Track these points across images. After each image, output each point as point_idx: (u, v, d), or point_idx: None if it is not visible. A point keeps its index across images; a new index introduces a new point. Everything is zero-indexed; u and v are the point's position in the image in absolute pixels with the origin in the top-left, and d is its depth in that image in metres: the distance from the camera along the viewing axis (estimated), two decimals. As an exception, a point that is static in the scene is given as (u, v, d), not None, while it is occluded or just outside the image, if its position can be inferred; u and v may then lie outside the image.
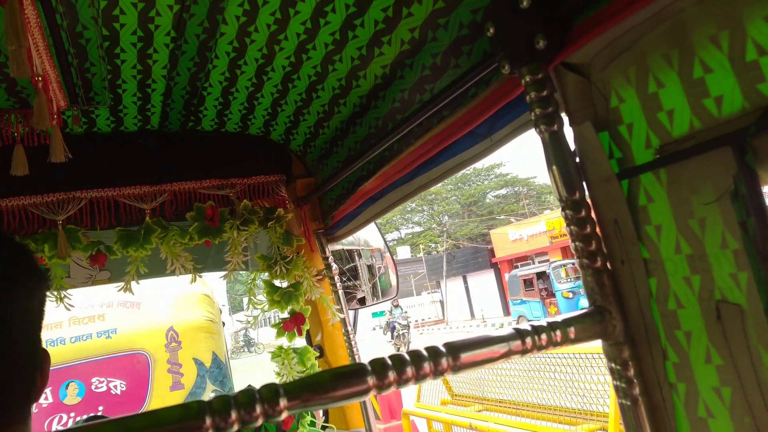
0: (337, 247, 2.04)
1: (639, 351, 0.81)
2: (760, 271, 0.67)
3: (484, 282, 30.10)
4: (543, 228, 27.72)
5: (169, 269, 1.44)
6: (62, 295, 1.43)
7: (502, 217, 41.83)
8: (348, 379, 0.66)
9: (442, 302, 33.35)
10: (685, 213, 0.74)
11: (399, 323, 22.76)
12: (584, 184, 0.86)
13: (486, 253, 32.04)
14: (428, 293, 37.06)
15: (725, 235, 0.70)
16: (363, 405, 1.73)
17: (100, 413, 3.73)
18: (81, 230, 1.43)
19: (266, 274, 1.63)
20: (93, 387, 3.84)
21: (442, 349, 0.72)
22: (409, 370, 0.69)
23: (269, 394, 0.63)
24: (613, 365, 0.82)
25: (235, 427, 0.61)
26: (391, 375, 0.68)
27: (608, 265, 0.83)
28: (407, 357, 0.70)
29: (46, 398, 3.70)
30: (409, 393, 5.00)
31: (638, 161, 0.80)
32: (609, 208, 0.83)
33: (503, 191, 48.83)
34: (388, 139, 1.26)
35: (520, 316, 20.89)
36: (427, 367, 0.70)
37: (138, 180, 1.51)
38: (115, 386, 3.93)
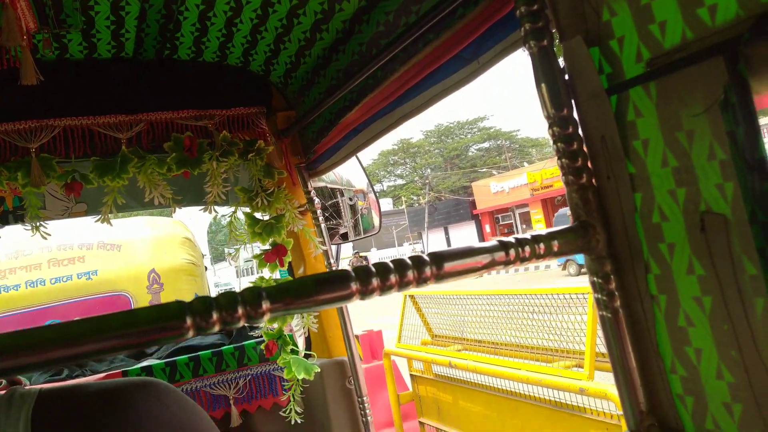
0: (319, 184, 2.03)
1: (621, 265, 0.82)
2: (746, 181, 0.67)
3: (465, 233, 30.36)
4: (524, 180, 27.89)
5: (147, 198, 1.41)
6: (38, 225, 1.40)
7: (484, 170, 41.97)
8: (331, 284, 0.66)
9: (423, 253, 33.92)
10: (673, 126, 0.73)
11: None
12: (572, 101, 0.85)
13: (467, 205, 32.26)
14: (409, 244, 37.41)
15: (713, 146, 0.69)
16: (345, 335, 1.75)
17: None
18: (55, 159, 1.39)
19: (247, 207, 1.61)
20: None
21: (426, 258, 0.71)
22: (393, 277, 0.69)
23: (251, 296, 0.62)
24: (595, 279, 0.83)
25: (217, 327, 0.60)
26: (375, 281, 0.68)
27: (593, 181, 0.83)
28: (391, 265, 0.69)
29: None
30: (390, 336, 5.08)
31: (628, 75, 0.79)
32: (597, 124, 0.82)
33: (486, 144, 48.88)
34: (371, 66, 1.23)
35: (568, 260, 19.06)
36: (410, 274, 0.70)
37: (113, 109, 1.47)
38: None
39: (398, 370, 4.48)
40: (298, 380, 1.72)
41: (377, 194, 2.25)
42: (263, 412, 1.81)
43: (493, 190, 29.90)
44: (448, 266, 0.72)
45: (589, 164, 0.82)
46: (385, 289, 0.68)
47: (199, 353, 1.76)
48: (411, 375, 4.23)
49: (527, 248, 0.76)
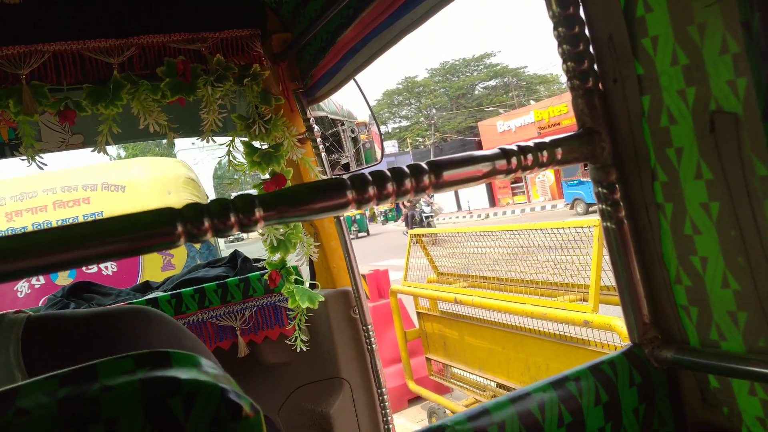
0: (319, 113, 1.98)
1: (627, 173, 0.79)
2: (761, 74, 0.63)
3: None
4: (531, 119, 27.43)
5: (142, 124, 1.38)
6: (33, 155, 1.37)
7: (490, 108, 41.28)
8: (326, 192, 0.63)
9: (432, 199, 33.74)
10: (684, 19, 0.69)
11: (423, 211, 21.24)
12: None
13: (474, 145, 31.92)
14: (414, 187, 37.22)
15: (726, 39, 0.65)
16: (349, 265, 1.75)
17: None
18: (47, 86, 1.35)
19: (245, 136, 1.58)
20: (84, 268, 3.78)
21: (425, 166, 0.69)
22: (390, 186, 0.66)
23: (243, 204, 0.60)
24: (599, 189, 0.81)
25: (209, 234, 0.59)
26: (371, 190, 0.65)
27: (600, 85, 0.79)
28: (388, 173, 0.67)
29: (38, 279, 3.80)
30: (395, 277, 5.11)
31: None
32: (604, 22, 0.77)
33: (492, 82, 47.92)
34: None
35: (576, 199, 19.07)
36: (408, 183, 0.67)
37: (103, 33, 1.41)
38: (106, 267, 4.01)
39: (405, 308, 4.52)
40: (302, 309, 1.73)
41: (379, 125, 2.21)
42: (270, 342, 1.83)
43: (500, 129, 29.45)
44: (447, 175, 0.69)
45: (596, 66, 0.78)
46: (381, 197, 0.66)
47: (204, 285, 1.77)
48: (417, 312, 4.24)
49: (530, 156, 0.73)
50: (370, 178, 0.66)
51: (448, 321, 3.94)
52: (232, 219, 0.59)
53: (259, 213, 0.60)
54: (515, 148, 0.74)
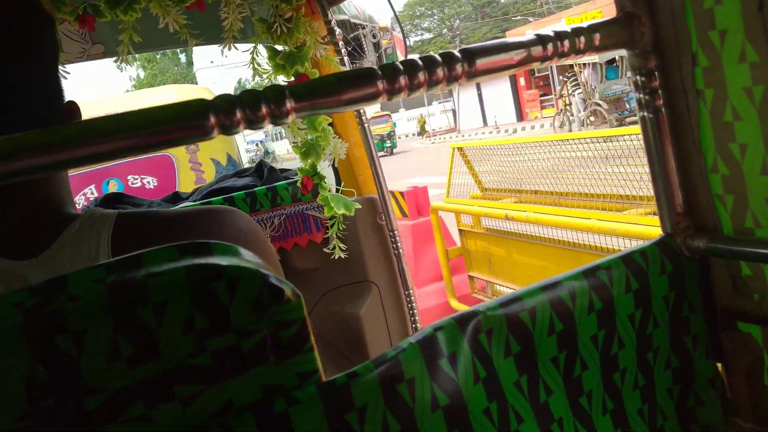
0: (340, 16, 1.92)
1: (667, 59, 0.76)
2: None
3: (499, 90, 28.87)
4: (564, 27, 26.18)
5: (161, 24, 1.35)
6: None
7: (518, 17, 39.44)
8: (356, 81, 0.62)
9: (454, 111, 32.81)
10: None
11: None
12: None
13: (500, 56, 30.66)
14: (438, 103, 36.43)
15: None
16: (375, 173, 1.76)
17: None
18: None
19: (267, 41, 1.54)
20: (129, 183, 4.56)
21: (457, 54, 0.67)
22: (422, 75, 0.65)
23: (274, 94, 0.59)
24: (638, 77, 0.78)
25: (241, 126, 0.58)
26: (402, 80, 0.64)
27: (641, -36, 0.74)
28: (419, 62, 0.65)
29: (91, 193, 4.45)
30: (436, 192, 5.01)
31: None
32: None
33: (518, -10, 45.62)
34: None
35: None
36: (440, 72, 0.65)
37: None
38: (148, 182, 4.61)
39: (445, 227, 4.37)
40: (339, 217, 1.75)
41: (403, 28, 2.13)
42: (299, 248, 1.87)
43: (530, 39, 28.18)
44: (481, 63, 0.67)
45: (638, -57, 0.73)
46: (413, 87, 0.65)
47: (233, 194, 1.79)
48: (459, 230, 4.08)
49: (566, 42, 0.70)
50: (401, 67, 0.64)
51: (494, 238, 3.76)
52: (264, 110, 0.59)
53: (290, 104, 0.60)
54: (551, 33, 0.71)
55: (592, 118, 15.83)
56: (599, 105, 15.56)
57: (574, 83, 16.97)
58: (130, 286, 0.42)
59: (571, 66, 17.08)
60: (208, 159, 4.73)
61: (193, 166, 4.68)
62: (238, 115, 0.58)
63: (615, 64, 16.25)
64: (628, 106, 15.88)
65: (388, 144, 27.23)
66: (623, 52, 0.77)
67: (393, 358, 0.52)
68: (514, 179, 3.85)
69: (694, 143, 0.77)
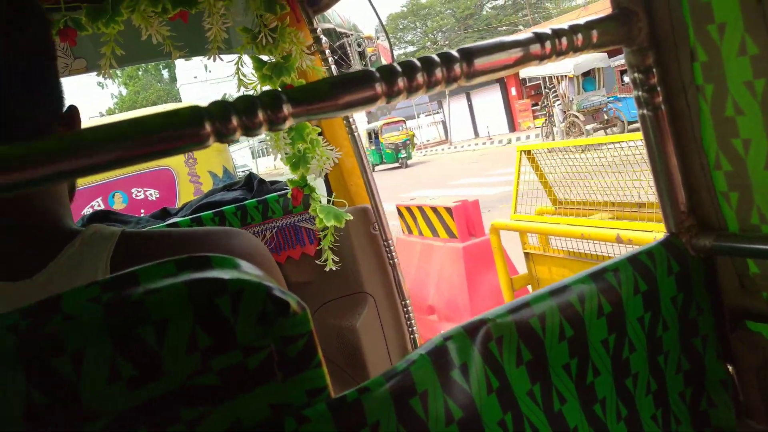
0: (326, 25, 1.91)
1: (664, 55, 0.75)
2: None
3: (489, 100, 28.63)
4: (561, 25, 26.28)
5: (144, 36, 1.33)
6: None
7: (503, 28, 39.75)
8: (354, 84, 0.60)
9: (444, 122, 32.54)
10: None
11: None
12: None
13: (490, 69, 30.75)
14: (426, 115, 36.42)
15: None
16: (367, 182, 1.74)
17: (142, 214, 4.58)
18: (45, 5, 1.29)
19: (252, 50, 1.52)
20: (133, 195, 4.96)
21: (455, 54, 0.65)
22: (420, 77, 0.63)
23: (270, 99, 0.57)
24: (635, 75, 0.77)
25: (238, 133, 0.56)
26: (401, 82, 0.62)
27: (635, -40, 0.74)
28: (417, 63, 0.63)
29: (99, 205, 4.84)
30: (489, 205, 4.32)
31: None
32: None
33: (500, 1, 46.09)
34: None
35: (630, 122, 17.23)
36: (439, 73, 0.64)
37: None
38: (150, 194, 5.00)
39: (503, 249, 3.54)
40: (331, 228, 1.72)
41: (388, 35, 2.13)
42: (293, 261, 1.85)
43: (518, 49, 28.26)
44: (479, 62, 0.65)
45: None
46: (412, 89, 0.63)
47: (223, 208, 1.76)
48: (525, 253, 3.38)
49: (564, 40, 0.69)
50: (399, 68, 0.62)
51: (575, 263, 3.02)
52: (260, 116, 0.56)
53: (287, 109, 0.57)
54: (549, 31, 0.69)
55: (572, 129, 16.18)
56: (576, 117, 16.06)
57: (554, 95, 17.31)
58: (128, 304, 0.40)
59: (551, 78, 17.40)
60: (205, 171, 5.09)
61: (192, 179, 5.04)
62: (234, 121, 0.56)
63: (592, 76, 16.61)
64: (606, 116, 16.32)
65: (403, 154, 23.36)
66: (599, 64, 0.76)
67: (404, 371, 0.50)
68: (598, 188, 3.06)
69: (695, 140, 0.76)
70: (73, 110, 0.69)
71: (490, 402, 0.54)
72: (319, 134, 1.57)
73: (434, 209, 4.03)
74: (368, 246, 1.82)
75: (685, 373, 0.74)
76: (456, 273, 3.81)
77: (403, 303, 1.80)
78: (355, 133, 1.79)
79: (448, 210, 3.84)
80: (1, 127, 0.59)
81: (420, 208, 4.21)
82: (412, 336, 1.80)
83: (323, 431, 0.44)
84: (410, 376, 0.50)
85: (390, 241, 1.79)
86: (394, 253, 1.80)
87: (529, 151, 3.40)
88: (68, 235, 0.65)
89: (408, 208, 4.37)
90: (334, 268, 1.73)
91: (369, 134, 24.93)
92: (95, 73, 1.42)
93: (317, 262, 1.75)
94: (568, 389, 0.62)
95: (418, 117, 36.40)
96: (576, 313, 0.66)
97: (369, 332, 1.77)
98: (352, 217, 1.69)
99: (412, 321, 1.79)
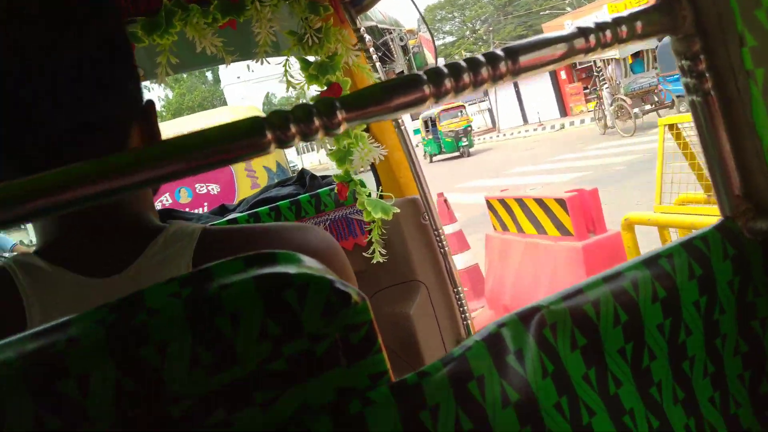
0: (368, 23, 1.93)
1: (711, 41, 0.75)
2: None
3: (538, 85, 27.29)
4: (605, 15, 25.32)
5: (198, 48, 1.39)
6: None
7: (546, 12, 38.64)
8: (403, 88, 0.63)
9: (490, 110, 31.79)
10: None
11: None
12: None
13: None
14: (471, 104, 35.77)
15: None
16: (415, 174, 1.77)
17: (205, 206, 5.48)
18: None
19: (298, 52, 1.57)
20: (197, 190, 5.57)
21: (500, 53, 0.67)
22: (467, 77, 0.65)
23: (325, 107, 0.60)
24: (683, 62, 0.77)
25: (297, 140, 0.60)
26: (448, 82, 0.64)
27: (679, -54, 0.73)
28: (464, 64, 0.65)
29: (167, 200, 5.38)
30: (610, 198, 3.75)
31: None
32: None
33: (540, -15, 44.88)
34: None
35: (678, 96, 15.52)
36: (484, 72, 0.66)
37: None
38: (212, 189, 5.61)
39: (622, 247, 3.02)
40: (378, 221, 1.76)
41: (430, 28, 2.14)
42: (346, 252, 1.89)
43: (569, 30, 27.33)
44: (524, 60, 0.67)
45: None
46: (458, 89, 0.65)
47: (279, 204, 1.83)
48: None
49: (608, 32, 0.70)
50: (445, 70, 0.65)
51: None
52: (317, 123, 0.60)
53: (341, 115, 0.61)
54: (592, 25, 0.70)
55: (620, 113, 15.70)
56: (624, 100, 15.46)
57: (602, 78, 16.83)
58: (206, 298, 0.44)
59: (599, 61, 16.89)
60: (261, 167, 5.65)
61: (248, 174, 5.59)
62: (293, 129, 0.59)
63: (641, 57, 15.96)
64: (656, 98, 15.70)
65: (464, 143, 21.66)
66: (647, 45, 0.76)
67: (460, 357, 0.53)
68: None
69: (747, 125, 0.76)
70: (151, 105, 0.71)
71: (545, 386, 0.56)
72: (366, 129, 1.60)
73: (539, 201, 3.43)
74: (418, 236, 1.85)
75: (744, 356, 0.74)
76: (575, 279, 3.25)
77: (455, 290, 1.82)
78: (402, 127, 1.82)
79: (560, 202, 3.25)
80: (81, 118, 0.62)
81: (519, 201, 3.60)
82: (465, 323, 1.82)
83: (387, 412, 0.48)
84: (467, 361, 0.53)
85: (440, 230, 1.82)
86: (444, 242, 1.83)
87: (674, 125, 2.88)
88: (152, 232, 0.68)
89: (502, 201, 3.76)
90: (381, 260, 1.77)
91: (425, 122, 23.66)
92: (150, 81, 1.49)
93: (364, 254, 1.79)
94: (624, 373, 0.64)
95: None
96: (630, 299, 0.67)
97: (423, 319, 1.80)
98: (399, 210, 1.72)
99: (465, 309, 1.82)
